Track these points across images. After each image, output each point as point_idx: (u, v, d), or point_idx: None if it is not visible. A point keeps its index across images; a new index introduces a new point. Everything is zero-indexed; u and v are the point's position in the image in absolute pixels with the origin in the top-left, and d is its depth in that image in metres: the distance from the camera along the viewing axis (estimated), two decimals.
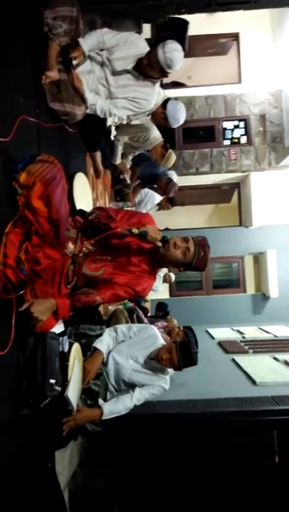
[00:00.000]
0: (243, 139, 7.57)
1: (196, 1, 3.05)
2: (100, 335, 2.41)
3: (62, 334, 1.90)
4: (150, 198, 4.88)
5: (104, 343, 2.39)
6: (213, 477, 2.73)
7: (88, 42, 2.30)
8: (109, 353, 2.44)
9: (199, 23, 4.83)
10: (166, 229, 7.21)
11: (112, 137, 3.48)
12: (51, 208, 1.60)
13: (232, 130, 7.57)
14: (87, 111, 2.44)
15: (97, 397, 2.25)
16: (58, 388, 1.75)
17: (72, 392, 1.94)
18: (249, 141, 7.56)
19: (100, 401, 2.26)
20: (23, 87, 1.95)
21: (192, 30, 4.52)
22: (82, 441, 2.66)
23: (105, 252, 1.89)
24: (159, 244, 1.82)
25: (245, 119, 7.54)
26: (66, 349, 1.89)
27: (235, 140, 7.58)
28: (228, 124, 7.57)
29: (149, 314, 5.86)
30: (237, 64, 7.61)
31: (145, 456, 2.82)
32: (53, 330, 1.77)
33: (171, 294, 8.09)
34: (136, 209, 4.55)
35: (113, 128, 3.40)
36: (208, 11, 3.28)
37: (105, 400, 2.33)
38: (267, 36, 7.45)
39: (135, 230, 1.75)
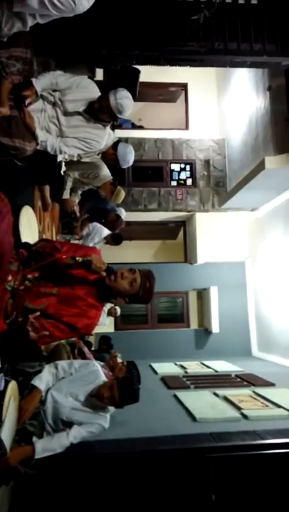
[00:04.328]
0: (189, 181, 8.02)
1: (146, 55, 3.30)
2: (40, 371, 2.34)
3: None
4: (98, 232, 4.91)
5: (43, 380, 2.32)
6: None
7: (41, 82, 2.37)
8: (48, 390, 2.36)
9: (151, 71, 5.14)
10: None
11: (61, 172, 3.53)
12: None
13: (179, 172, 8.02)
14: (38, 147, 2.49)
15: (31, 439, 2.16)
16: None
17: (6, 434, 1.84)
18: (194, 184, 8.00)
19: (34, 438, 2.17)
20: None
21: (144, 77, 4.80)
22: (14, 486, 2.50)
23: (49, 285, 1.86)
24: (104, 273, 1.83)
25: (191, 163, 8.02)
26: (1, 388, 1.81)
27: (182, 181, 8.01)
28: (175, 166, 8.01)
29: (92, 348, 5.76)
30: (185, 111, 8.16)
31: (82, 502, 2.70)
32: None
33: (116, 328, 8.03)
34: (83, 242, 4.56)
35: (63, 163, 3.46)
36: (157, 65, 3.55)
37: None
38: (213, 88, 8.12)
39: (79, 258, 1.77)
